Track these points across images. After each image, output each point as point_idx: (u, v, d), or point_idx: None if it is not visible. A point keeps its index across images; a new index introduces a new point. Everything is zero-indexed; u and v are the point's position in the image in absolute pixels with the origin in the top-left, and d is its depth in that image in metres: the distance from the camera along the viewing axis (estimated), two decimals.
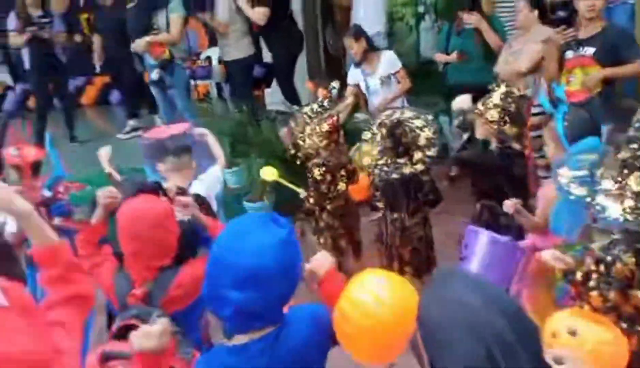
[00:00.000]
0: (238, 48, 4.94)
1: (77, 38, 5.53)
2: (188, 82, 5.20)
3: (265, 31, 5.07)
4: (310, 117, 3.03)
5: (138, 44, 4.66)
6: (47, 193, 2.93)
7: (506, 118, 2.33)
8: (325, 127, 2.97)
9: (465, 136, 2.45)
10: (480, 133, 2.43)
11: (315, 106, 3.09)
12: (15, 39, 5.06)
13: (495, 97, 2.35)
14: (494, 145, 2.41)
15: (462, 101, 2.65)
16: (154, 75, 4.69)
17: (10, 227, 2.81)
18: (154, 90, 4.96)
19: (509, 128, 2.34)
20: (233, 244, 1.13)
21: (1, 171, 3.00)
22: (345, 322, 1.16)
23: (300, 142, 3.06)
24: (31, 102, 5.94)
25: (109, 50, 5.45)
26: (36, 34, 4.92)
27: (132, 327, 1.34)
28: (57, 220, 2.95)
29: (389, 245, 2.81)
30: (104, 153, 2.80)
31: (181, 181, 2.37)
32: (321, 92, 3.23)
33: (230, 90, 5.46)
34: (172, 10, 4.67)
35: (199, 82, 6.04)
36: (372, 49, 4.08)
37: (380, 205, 2.80)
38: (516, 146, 2.36)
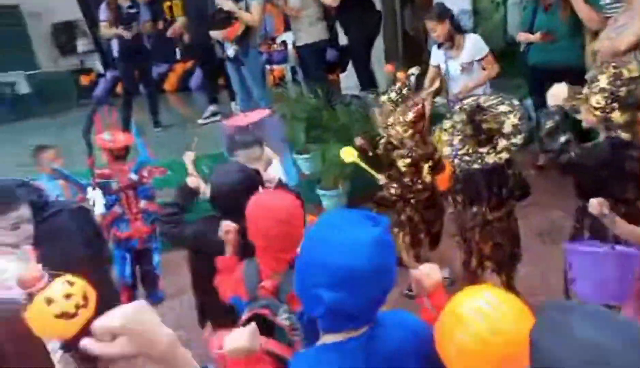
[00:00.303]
0: (310, 33, 4.89)
1: (160, 25, 5.75)
2: (264, 68, 5.24)
3: (341, 14, 4.97)
4: (394, 103, 2.89)
5: (216, 34, 4.75)
6: (134, 177, 3.09)
7: (614, 104, 2.07)
8: (410, 115, 2.82)
9: (564, 138, 2.14)
10: (586, 120, 2.17)
11: (393, 94, 2.96)
12: (106, 30, 5.35)
13: (603, 80, 2.09)
14: (602, 135, 2.15)
15: (558, 94, 2.22)
16: (230, 51, 4.77)
17: (98, 208, 3.00)
18: (230, 71, 5.02)
19: (618, 115, 2.08)
20: (325, 242, 1.07)
21: (91, 155, 3.19)
22: (459, 335, 1.04)
23: (384, 133, 2.95)
24: (118, 89, 6.29)
25: (194, 35, 5.61)
26: (124, 32, 5.19)
27: (261, 317, 1.35)
28: (142, 203, 3.12)
29: (468, 239, 2.66)
30: (188, 158, 2.82)
31: None
32: (400, 75, 3.08)
33: (304, 75, 5.45)
34: None
35: (275, 66, 6.09)
36: (457, 31, 3.75)
37: (459, 198, 2.64)
38: (626, 135, 2.09)
